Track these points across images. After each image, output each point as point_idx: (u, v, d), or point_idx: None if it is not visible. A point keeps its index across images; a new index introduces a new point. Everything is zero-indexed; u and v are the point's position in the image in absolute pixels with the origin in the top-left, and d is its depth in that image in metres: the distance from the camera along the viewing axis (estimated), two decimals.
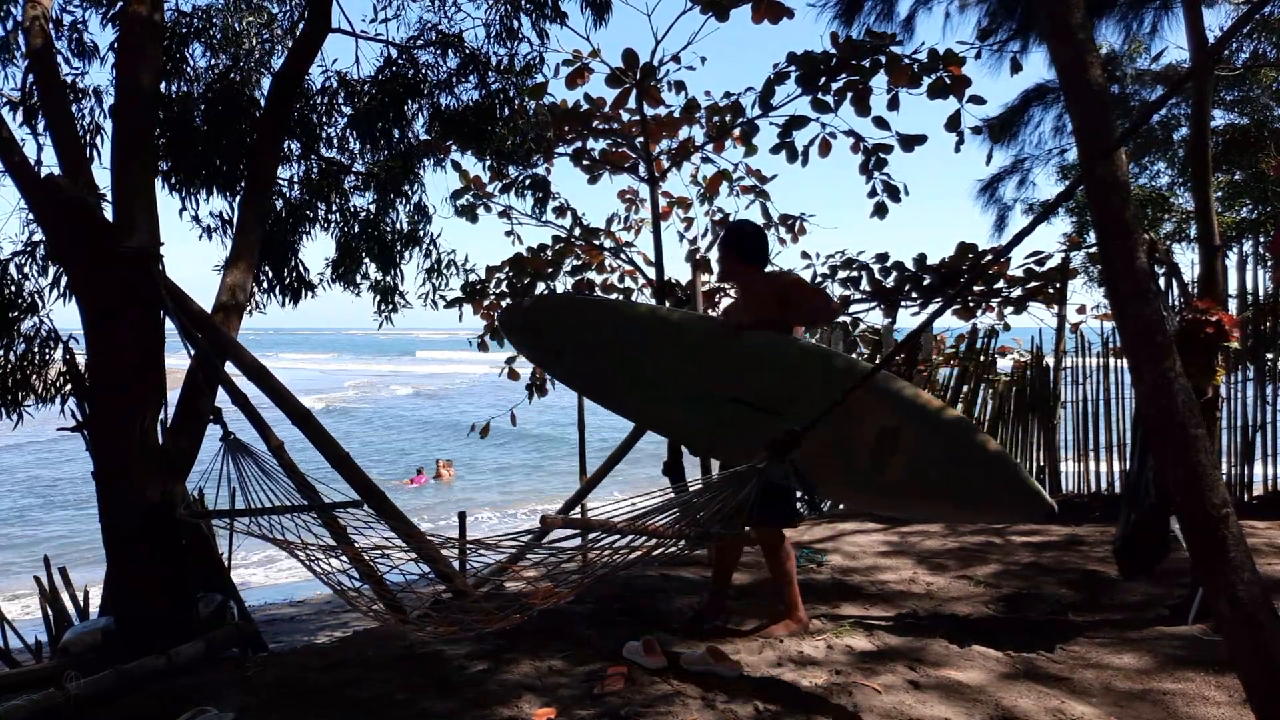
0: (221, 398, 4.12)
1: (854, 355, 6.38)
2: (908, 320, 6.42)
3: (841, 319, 6.63)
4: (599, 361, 3.96)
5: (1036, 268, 6.17)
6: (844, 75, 5.19)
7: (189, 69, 5.17)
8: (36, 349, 4.23)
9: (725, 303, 6.76)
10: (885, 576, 4.52)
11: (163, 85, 4.81)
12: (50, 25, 4.17)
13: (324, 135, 5.72)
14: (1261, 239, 6.63)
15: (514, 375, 6.88)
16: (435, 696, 2.91)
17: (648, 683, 2.94)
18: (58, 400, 4.26)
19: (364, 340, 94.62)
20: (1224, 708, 2.73)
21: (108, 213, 3.94)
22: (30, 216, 4.29)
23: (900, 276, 5.85)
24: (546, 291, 6.55)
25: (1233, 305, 5.88)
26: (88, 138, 4.69)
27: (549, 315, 4.13)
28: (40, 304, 4.29)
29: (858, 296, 6.17)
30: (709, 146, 6.33)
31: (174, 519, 3.78)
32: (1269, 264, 5.88)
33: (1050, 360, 6.83)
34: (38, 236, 4.33)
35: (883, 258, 6.08)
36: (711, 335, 3.52)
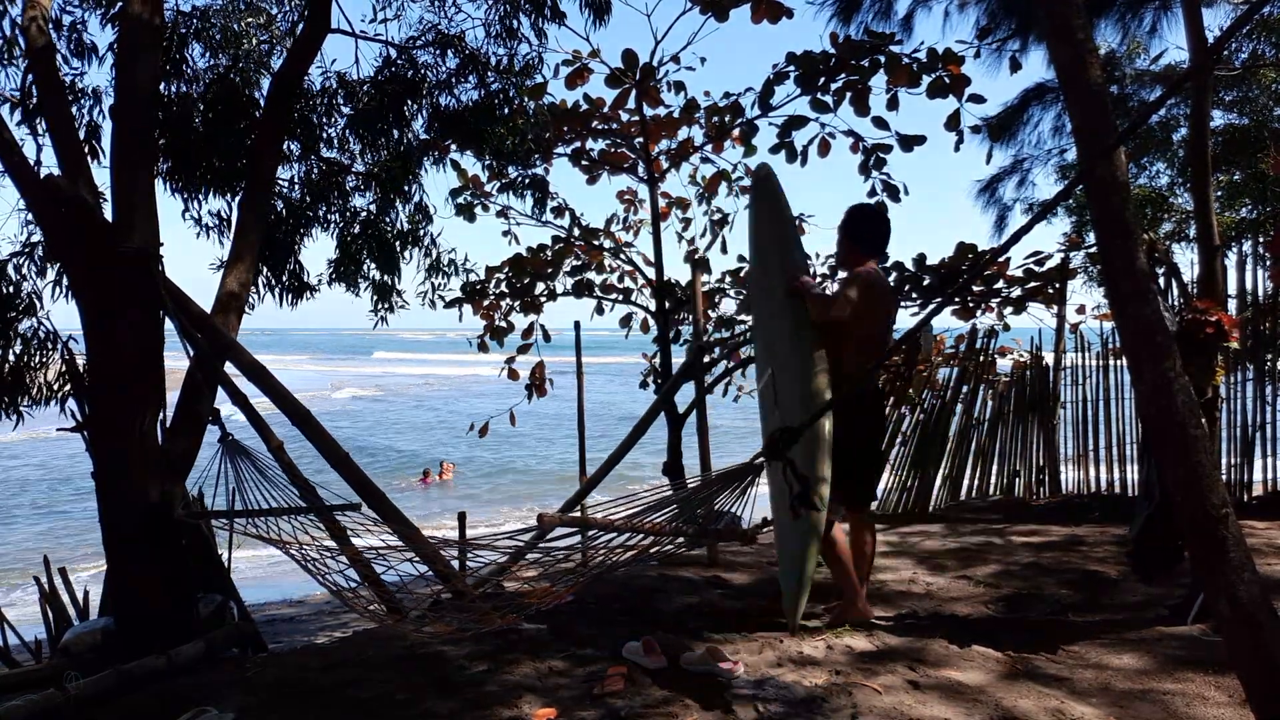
0: (221, 398, 4.12)
1: None
2: (907, 320, 6.42)
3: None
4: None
5: (1036, 268, 6.17)
6: (843, 75, 5.19)
7: (189, 69, 5.16)
8: (34, 350, 4.23)
9: (725, 304, 6.77)
10: (885, 577, 4.52)
11: (162, 86, 4.81)
12: (50, 25, 4.17)
13: (324, 135, 5.72)
14: (1261, 239, 6.63)
15: (514, 375, 6.87)
16: (435, 697, 2.91)
17: (648, 683, 2.94)
18: (55, 401, 4.25)
19: (350, 340, 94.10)
20: (1224, 708, 2.73)
21: (107, 213, 3.94)
22: (29, 217, 4.29)
23: (899, 276, 5.85)
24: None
25: (1232, 305, 5.89)
26: (87, 138, 4.68)
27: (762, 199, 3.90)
28: (38, 305, 4.29)
29: None
30: (708, 147, 6.33)
31: (174, 519, 3.78)
32: (1268, 264, 5.88)
33: (1050, 360, 6.83)
34: (36, 237, 4.33)
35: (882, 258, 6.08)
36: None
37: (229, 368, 4.21)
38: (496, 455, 19.25)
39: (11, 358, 4.20)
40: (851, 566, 3.57)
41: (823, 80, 5.19)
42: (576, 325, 6.05)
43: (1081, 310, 7.15)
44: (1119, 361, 6.55)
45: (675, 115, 5.99)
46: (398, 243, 5.97)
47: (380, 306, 6.18)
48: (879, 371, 3.61)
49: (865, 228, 3.61)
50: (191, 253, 5.98)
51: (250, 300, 5.53)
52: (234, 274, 4.44)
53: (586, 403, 5.89)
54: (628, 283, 6.86)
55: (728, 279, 6.63)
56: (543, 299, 6.64)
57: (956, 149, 5.59)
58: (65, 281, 4.19)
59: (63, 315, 4.28)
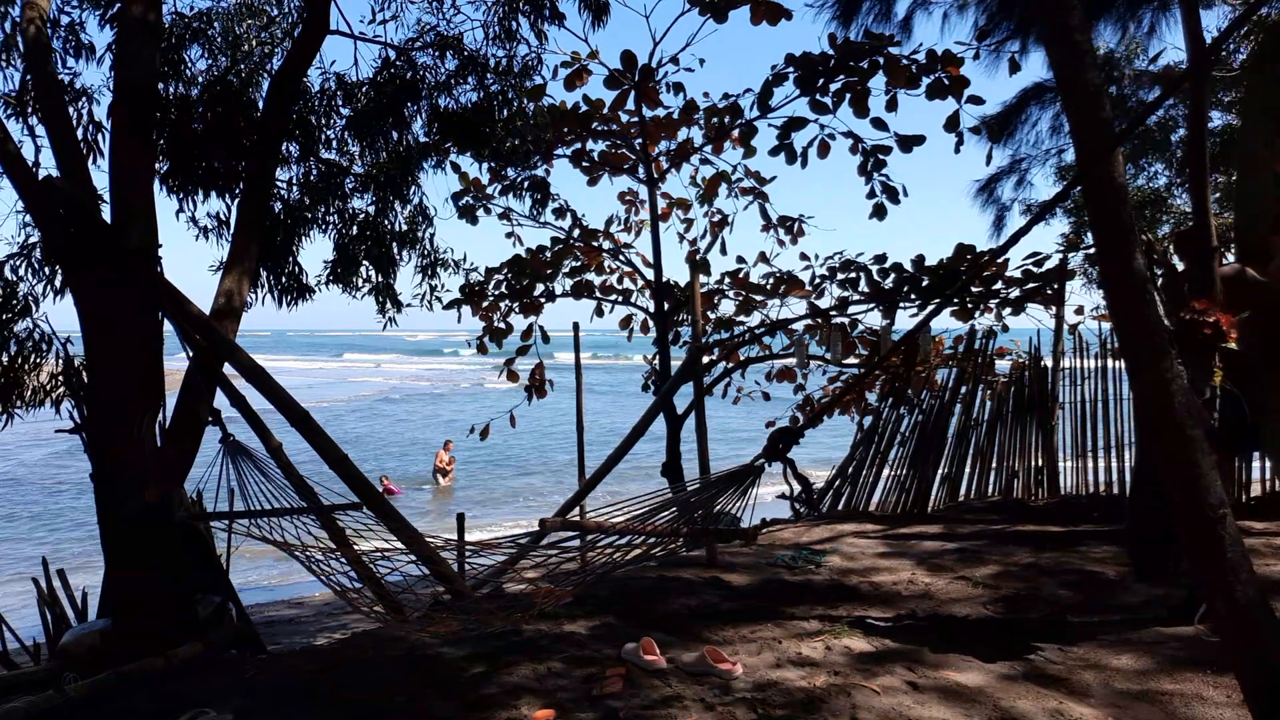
0: (220, 399, 4.12)
1: (853, 357, 6.38)
2: (906, 321, 6.44)
3: (840, 319, 6.64)
4: None
5: (1035, 269, 6.18)
6: (842, 77, 5.20)
7: (187, 70, 5.16)
8: (29, 351, 4.21)
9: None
10: (884, 578, 4.52)
11: (161, 86, 4.81)
12: (48, 26, 4.16)
13: (322, 137, 5.71)
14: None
15: (513, 377, 6.88)
16: (435, 698, 2.91)
17: (646, 684, 2.94)
18: (49, 404, 4.23)
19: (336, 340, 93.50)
20: (1223, 708, 2.73)
21: (106, 214, 3.93)
22: (26, 219, 4.29)
23: (898, 278, 5.86)
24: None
25: None
26: (86, 139, 4.68)
27: None
28: (33, 306, 4.27)
29: (856, 298, 6.18)
30: (708, 148, 6.34)
31: (172, 521, 3.78)
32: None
33: (1048, 361, 6.83)
34: (33, 238, 4.32)
35: (881, 259, 6.09)
36: None
37: (228, 369, 4.21)
38: (496, 456, 19.26)
39: (5, 359, 4.18)
40: None
41: (822, 82, 5.20)
42: (575, 326, 6.06)
43: (1080, 311, 7.15)
44: (1118, 362, 6.55)
45: (674, 117, 6.00)
46: (395, 244, 5.96)
47: (385, 308, 6.17)
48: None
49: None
50: (190, 255, 5.98)
51: (248, 301, 5.53)
52: (232, 275, 4.44)
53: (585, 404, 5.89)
54: (627, 284, 6.87)
55: (726, 280, 6.63)
56: (542, 300, 6.65)
57: (956, 150, 5.60)
58: (63, 283, 4.19)
59: (63, 317, 4.28)
